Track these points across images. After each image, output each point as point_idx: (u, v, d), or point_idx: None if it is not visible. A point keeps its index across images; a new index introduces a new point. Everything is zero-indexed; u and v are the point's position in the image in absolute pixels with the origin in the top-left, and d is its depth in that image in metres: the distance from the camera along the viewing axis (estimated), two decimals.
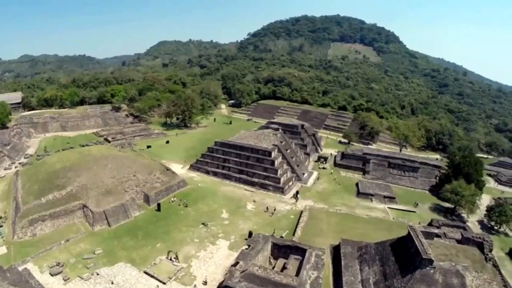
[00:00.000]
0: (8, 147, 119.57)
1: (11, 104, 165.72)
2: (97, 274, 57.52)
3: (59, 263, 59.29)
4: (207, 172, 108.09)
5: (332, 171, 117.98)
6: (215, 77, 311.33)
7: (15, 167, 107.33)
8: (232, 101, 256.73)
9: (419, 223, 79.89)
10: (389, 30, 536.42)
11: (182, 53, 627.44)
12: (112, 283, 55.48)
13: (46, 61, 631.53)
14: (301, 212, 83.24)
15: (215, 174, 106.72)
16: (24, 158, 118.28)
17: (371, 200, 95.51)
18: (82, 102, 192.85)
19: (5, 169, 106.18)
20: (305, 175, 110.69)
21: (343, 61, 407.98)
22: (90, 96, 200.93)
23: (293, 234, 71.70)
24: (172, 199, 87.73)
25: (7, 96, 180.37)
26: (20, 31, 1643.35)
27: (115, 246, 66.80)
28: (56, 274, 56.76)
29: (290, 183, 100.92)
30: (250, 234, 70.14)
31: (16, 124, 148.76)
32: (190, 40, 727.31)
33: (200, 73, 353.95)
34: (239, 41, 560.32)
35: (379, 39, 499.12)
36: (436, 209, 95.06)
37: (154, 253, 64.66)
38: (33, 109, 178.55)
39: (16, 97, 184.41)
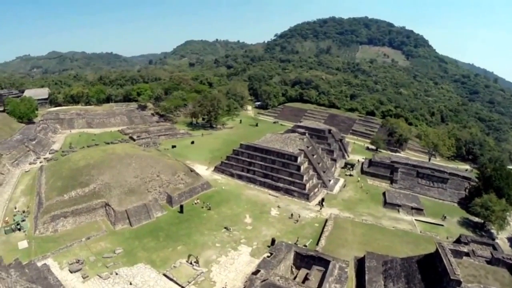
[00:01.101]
0: (34, 142, 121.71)
1: (38, 99, 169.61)
2: (116, 273, 57.18)
3: (78, 260, 59.37)
4: (232, 175, 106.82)
5: (359, 178, 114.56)
6: (242, 78, 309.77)
7: (40, 162, 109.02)
8: (258, 103, 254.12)
9: (447, 238, 76.74)
10: (418, 33, 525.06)
11: (209, 52, 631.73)
12: (131, 283, 54.85)
13: (74, 58, 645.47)
14: (326, 220, 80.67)
15: (240, 177, 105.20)
16: (49, 153, 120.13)
17: (398, 211, 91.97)
18: (108, 100, 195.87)
19: (30, 163, 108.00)
20: (331, 181, 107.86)
21: (371, 65, 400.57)
22: (116, 94, 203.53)
23: (317, 244, 69.33)
24: (195, 201, 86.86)
25: (34, 91, 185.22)
26: (49, 28, 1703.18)
27: (136, 246, 66.30)
28: (75, 271, 56.74)
29: (316, 189, 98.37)
30: (273, 241, 68.45)
31: (42, 119, 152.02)
32: (217, 40, 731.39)
33: (226, 73, 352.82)
34: (266, 42, 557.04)
35: (408, 42, 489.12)
36: (465, 223, 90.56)
37: (175, 256, 63.79)
38: (59, 105, 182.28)
39: (43, 92, 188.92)
